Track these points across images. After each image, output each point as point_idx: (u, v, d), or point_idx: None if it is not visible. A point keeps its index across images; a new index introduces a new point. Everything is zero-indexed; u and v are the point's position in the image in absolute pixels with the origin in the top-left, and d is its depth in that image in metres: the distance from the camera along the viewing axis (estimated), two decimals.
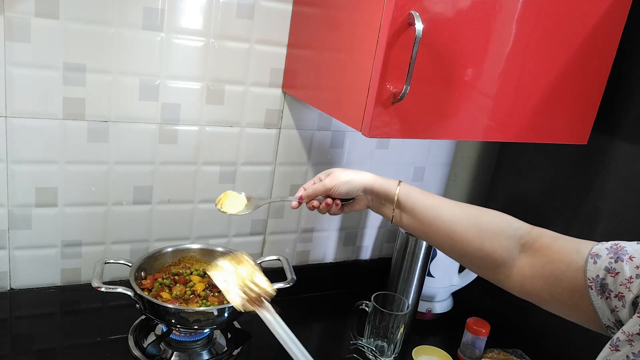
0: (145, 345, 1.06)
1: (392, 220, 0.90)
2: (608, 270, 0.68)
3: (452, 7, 0.85)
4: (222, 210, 0.97)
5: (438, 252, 1.33)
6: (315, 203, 0.92)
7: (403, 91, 0.84)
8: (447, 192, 1.54)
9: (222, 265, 0.87)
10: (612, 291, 0.67)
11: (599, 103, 1.06)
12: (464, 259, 0.86)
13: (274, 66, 1.19)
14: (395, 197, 0.87)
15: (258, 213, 1.30)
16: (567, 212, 1.19)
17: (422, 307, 1.35)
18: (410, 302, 1.26)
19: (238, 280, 0.85)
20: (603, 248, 0.71)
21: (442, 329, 1.36)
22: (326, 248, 1.44)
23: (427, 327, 1.35)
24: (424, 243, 1.23)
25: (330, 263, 1.45)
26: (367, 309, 1.18)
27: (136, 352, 1.05)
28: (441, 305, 1.38)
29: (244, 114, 1.20)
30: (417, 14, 0.80)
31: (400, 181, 0.89)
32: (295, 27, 1.15)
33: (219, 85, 1.15)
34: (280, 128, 1.25)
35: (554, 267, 0.75)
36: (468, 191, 1.51)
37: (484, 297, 1.42)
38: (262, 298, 0.83)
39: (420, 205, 0.86)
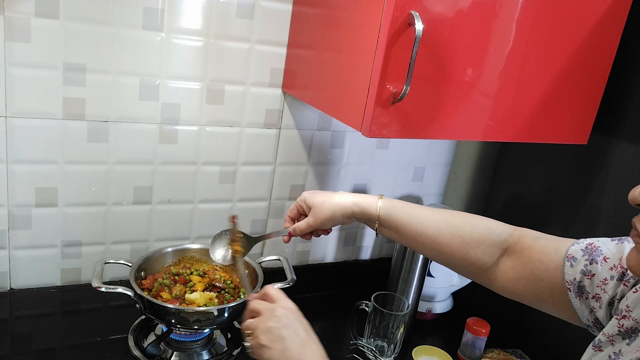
0: (145, 345, 1.06)
1: (377, 235, 0.91)
2: (584, 273, 0.70)
3: (452, 7, 0.85)
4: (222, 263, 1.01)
5: None
6: (307, 237, 0.95)
7: (403, 91, 0.84)
8: (447, 192, 1.54)
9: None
10: (589, 293, 0.69)
11: (599, 103, 1.06)
12: (450, 266, 0.88)
13: (274, 66, 1.19)
14: (377, 217, 0.88)
15: (258, 213, 1.31)
16: (567, 212, 1.18)
17: (422, 307, 1.35)
18: (410, 302, 1.26)
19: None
20: (579, 249, 0.72)
21: (442, 329, 1.36)
22: (326, 248, 1.43)
23: (427, 327, 1.35)
24: None
25: (330, 263, 1.45)
26: (367, 309, 1.18)
27: (136, 352, 1.05)
28: (441, 305, 1.38)
29: (244, 114, 1.20)
30: (417, 14, 0.80)
31: (380, 197, 0.89)
32: (295, 27, 1.15)
33: (219, 85, 1.15)
34: (280, 128, 1.25)
35: (534, 267, 0.77)
36: (468, 191, 1.51)
37: (484, 297, 1.42)
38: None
39: (403, 222, 0.87)
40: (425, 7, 0.82)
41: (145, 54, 1.07)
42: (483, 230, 0.83)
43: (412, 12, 0.81)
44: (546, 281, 0.75)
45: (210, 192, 1.24)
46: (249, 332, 0.73)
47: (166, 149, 1.16)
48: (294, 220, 0.96)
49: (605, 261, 0.69)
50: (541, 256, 0.76)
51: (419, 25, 0.80)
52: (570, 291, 0.71)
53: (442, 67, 0.88)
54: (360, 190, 1.41)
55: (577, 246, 0.73)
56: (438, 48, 0.86)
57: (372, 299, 1.15)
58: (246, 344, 0.73)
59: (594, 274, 0.69)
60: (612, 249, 0.69)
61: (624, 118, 1.07)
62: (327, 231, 0.95)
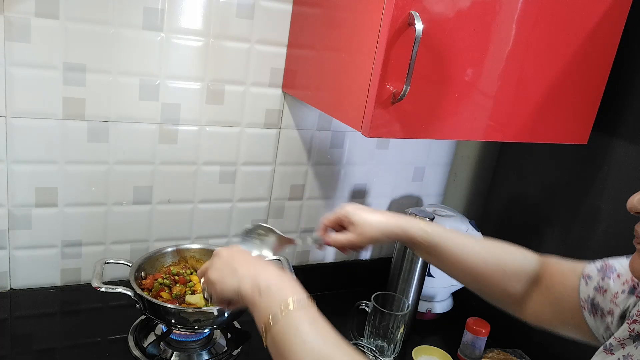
0: (145, 345, 1.06)
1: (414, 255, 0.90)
2: (597, 289, 0.71)
3: (452, 7, 0.85)
4: None
5: None
6: (344, 250, 0.93)
7: (403, 91, 0.84)
8: (447, 192, 1.54)
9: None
10: (603, 308, 0.70)
11: (599, 103, 1.06)
12: (481, 293, 0.88)
13: (274, 66, 1.19)
14: (421, 243, 0.86)
15: (258, 213, 1.31)
16: (567, 212, 1.18)
17: (422, 307, 1.35)
18: (410, 302, 1.26)
19: None
20: (594, 268, 0.73)
21: (442, 329, 1.36)
22: (326, 248, 1.43)
23: (427, 327, 1.35)
24: None
25: (330, 263, 1.45)
26: (367, 309, 1.18)
27: (136, 352, 1.05)
28: (441, 305, 1.38)
29: (244, 114, 1.20)
30: (417, 14, 0.80)
31: (424, 220, 0.88)
32: (295, 27, 1.15)
33: (219, 85, 1.15)
34: (280, 128, 1.25)
35: (555, 290, 0.78)
36: (468, 191, 1.51)
37: None
38: None
39: (448, 250, 0.86)
40: (425, 7, 0.82)
41: (145, 54, 1.07)
42: (521, 261, 0.84)
43: (412, 12, 0.81)
44: (566, 302, 0.76)
45: (210, 192, 1.23)
46: (205, 286, 0.76)
47: (166, 149, 1.16)
48: (328, 229, 0.94)
49: (618, 277, 0.70)
50: (562, 279, 0.77)
51: (419, 25, 0.80)
52: (585, 309, 0.72)
53: (442, 67, 0.88)
54: (360, 190, 1.41)
55: (593, 265, 0.74)
56: (438, 48, 0.87)
57: (372, 299, 1.15)
58: (205, 295, 0.77)
59: (606, 290, 0.70)
60: (625, 266, 0.70)
61: (624, 118, 1.07)
62: (363, 247, 0.93)
